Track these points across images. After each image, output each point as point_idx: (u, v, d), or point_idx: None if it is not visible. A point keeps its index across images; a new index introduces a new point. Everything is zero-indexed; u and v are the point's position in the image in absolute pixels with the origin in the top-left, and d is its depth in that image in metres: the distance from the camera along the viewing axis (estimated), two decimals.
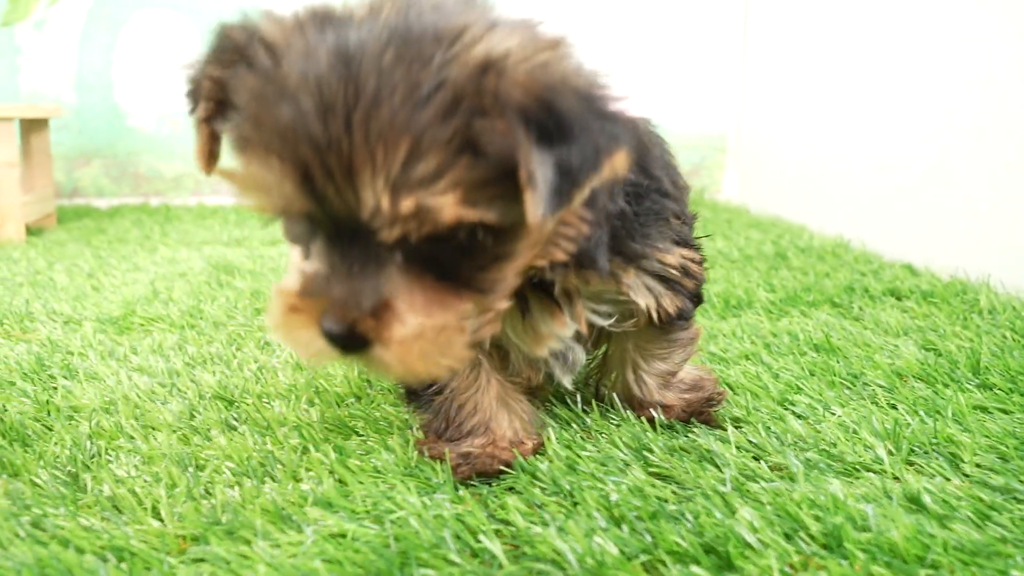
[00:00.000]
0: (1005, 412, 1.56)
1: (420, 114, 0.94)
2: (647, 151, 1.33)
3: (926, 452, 1.39)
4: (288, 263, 1.12)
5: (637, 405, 1.59)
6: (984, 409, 1.58)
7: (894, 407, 1.58)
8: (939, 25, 2.73)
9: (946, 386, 1.69)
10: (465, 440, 1.43)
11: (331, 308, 1.02)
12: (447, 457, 1.37)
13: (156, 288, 2.57)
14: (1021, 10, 2.38)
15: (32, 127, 3.94)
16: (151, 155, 4.78)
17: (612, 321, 1.42)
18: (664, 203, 1.38)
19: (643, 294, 1.38)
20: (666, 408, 1.57)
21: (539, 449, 1.44)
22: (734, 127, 4.77)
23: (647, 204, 1.35)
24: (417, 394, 1.45)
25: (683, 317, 1.50)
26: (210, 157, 1.17)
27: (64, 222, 4.08)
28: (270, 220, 1.10)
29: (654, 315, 1.42)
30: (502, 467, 1.37)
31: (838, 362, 1.83)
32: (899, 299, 2.38)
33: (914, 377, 1.75)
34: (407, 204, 0.95)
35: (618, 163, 1.00)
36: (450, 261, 1.05)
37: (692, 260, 1.44)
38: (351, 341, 1.02)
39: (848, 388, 1.70)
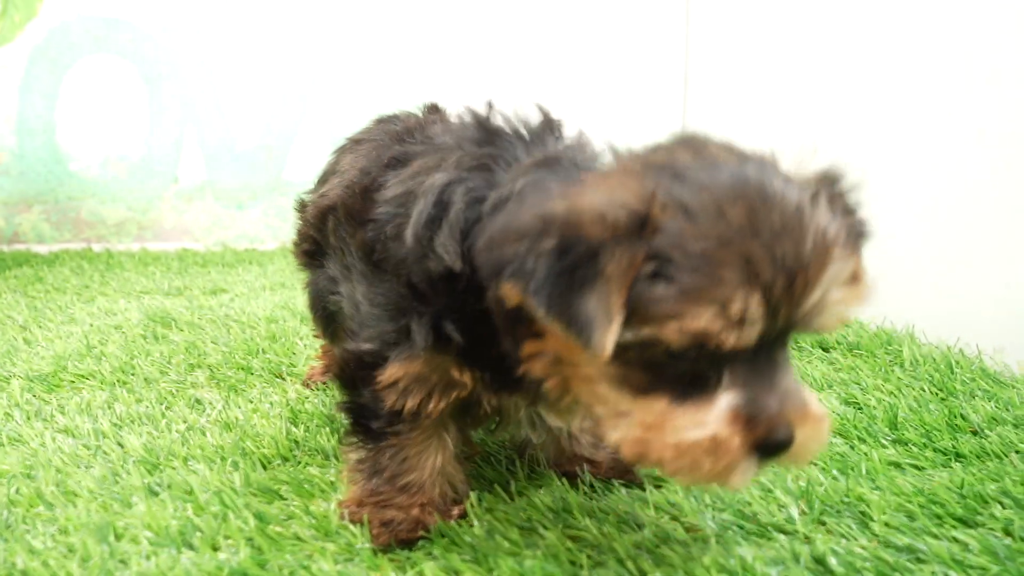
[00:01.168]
0: (917, 468, 1.61)
1: (829, 224, 1.07)
2: None
3: (837, 511, 1.42)
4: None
5: (565, 461, 1.61)
6: (897, 465, 1.62)
7: (812, 464, 1.62)
8: (925, 127, 2.78)
9: (863, 441, 1.73)
10: (395, 497, 1.41)
11: (780, 423, 1.06)
12: (366, 522, 1.38)
13: (90, 342, 2.55)
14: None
15: None
16: (93, 200, 4.74)
17: None
18: None
19: None
20: (594, 465, 1.60)
21: (463, 514, 1.45)
22: None
23: None
24: (369, 430, 1.41)
25: None
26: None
27: (2, 270, 4.03)
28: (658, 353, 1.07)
29: None
30: (423, 533, 1.37)
31: None
32: (826, 351, 2.43)
33: (834, 432, 1.79)
34: (844, 299, 1.08)
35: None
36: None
37: None
38: (789, 443, 1.07)
39: None
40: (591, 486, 1.54)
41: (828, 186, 1.13)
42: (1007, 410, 1.87)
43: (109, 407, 1.98)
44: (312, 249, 1.70)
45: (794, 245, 1.03)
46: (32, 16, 3.77)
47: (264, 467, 1.64)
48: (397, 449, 1.41)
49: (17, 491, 1.50)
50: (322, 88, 4.80)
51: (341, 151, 1.88)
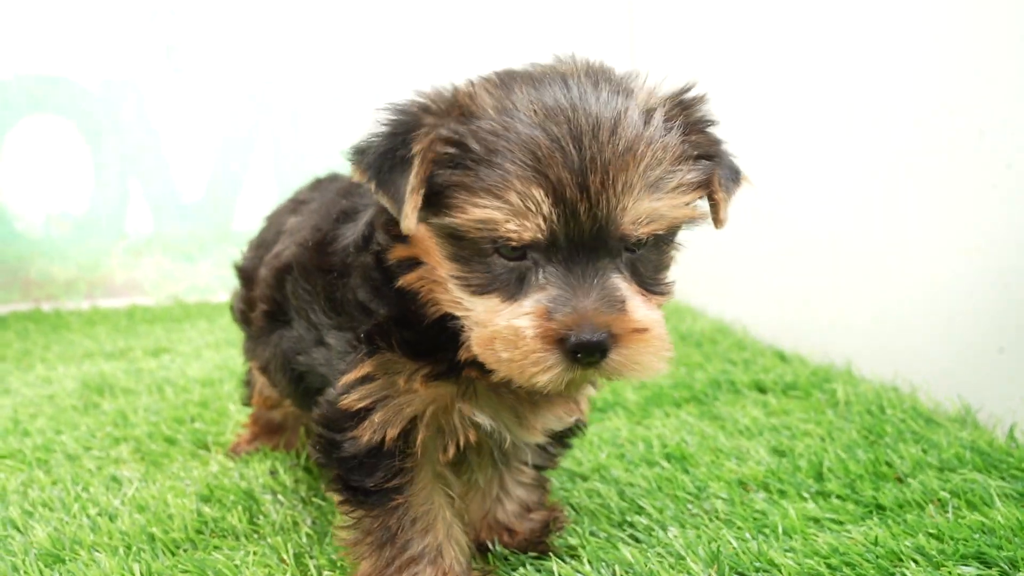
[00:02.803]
0: (837, 523, 1.59)
1: (651, 131, 1.17)
2: None
3: None
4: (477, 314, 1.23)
5: (484, 527, 1.59)
6: (816, 521, 1.60)
7: (730, 523, 1.60)
8: (926, 128, 2.77)
9: (784, 495, 1.71)
10: (411, 568, 1.37)
11: (583, 320, 1.13)
12: None
13: (18, 417, 2.50)
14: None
15: None
16: (42, 259, 4.69)
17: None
18: None
19: (585, 396, 1.51)
20: (512, 534, 1.57)
21: None
22: None
23: None
24: (365, 491, 1.37)
25: (577, 437, 1.63)
26: (417, 217, 1.21)
27: None
28: (478, 254, 1.20)
29: (583, 417, 1.53)
30: None
31: (687, 472, 1.85)
32: (762, 392, 2.41)
33: (757, 485, 1.77)
34: (655, 203, 1.16)
35: (746, 182, 1.35)
36: (644, 270, 1.23)
37: None
38: (603, 345, 1.14)
39: (691, 503, 1.71)
40: (504, 559, 1.51)
41: (672, 106, 1.24)
42: (933, 453, 1.85)
43: (24, 491, 1.93)
44: (272, 310, 1.67)
45: (592, 147, 1.13)
46: None
47: (172, 552, 1.60)
48: (404, 508, 1.37)
49: None
50: (267, 137, 4.78)
51: (281, 212, 1.89)
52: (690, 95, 1.27)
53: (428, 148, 1.18)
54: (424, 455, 1.38)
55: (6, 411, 2.58)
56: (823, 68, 3.14)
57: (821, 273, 2.80)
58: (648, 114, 1.19)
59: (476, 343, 1.21)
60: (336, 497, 1.43)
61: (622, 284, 1.18)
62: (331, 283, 1.43)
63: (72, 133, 4.62)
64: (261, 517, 1.71)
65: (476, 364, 1.26)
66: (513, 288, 1.19)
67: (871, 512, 1.63)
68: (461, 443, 1.39)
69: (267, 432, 2.17)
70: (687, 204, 1.21)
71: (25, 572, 1.52)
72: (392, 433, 1.33)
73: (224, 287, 4.76)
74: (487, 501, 1.60)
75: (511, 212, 1.13)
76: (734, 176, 1.32)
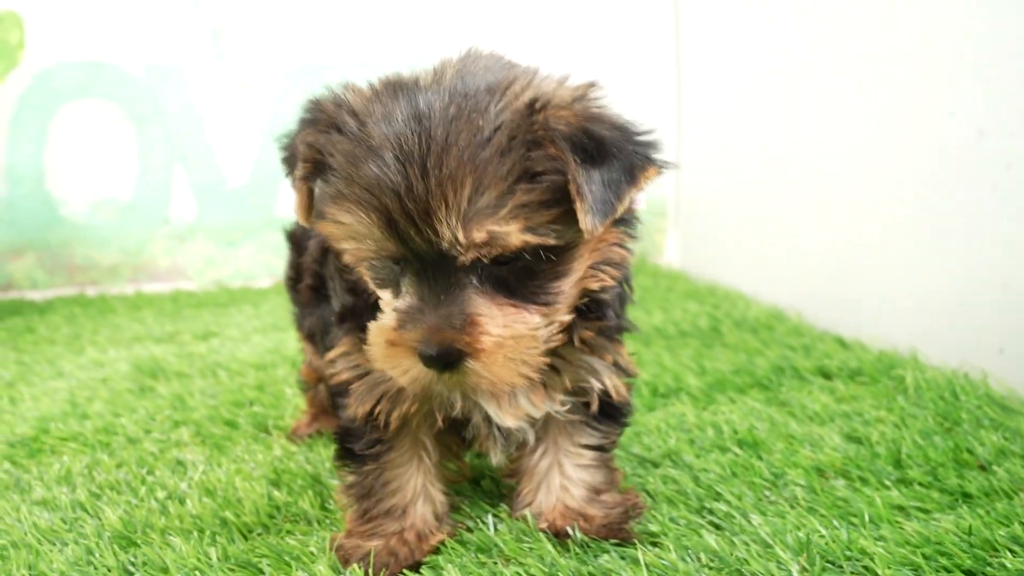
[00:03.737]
0: (923, 511, 1.55)
1: (482, 153, 1.15)
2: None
3: (839, 567, 1.36)
4: (383, 309, 1.33)
5: (557, 516, 1.56)
6: (902, 509, 1.56)
7: (813, 511, 1.56)
8: (879, 101, 2.74)
9: (866, 483, 1.67)
10: (379, 522, 1.50)
11: (426, 335, 1.20)
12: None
13: (75, 400, 2.50)
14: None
15: None
16: (86, 244, 4.70)
17: (566, 408, 1.49)
18: (629, 295, 1.54)
19: (608, 376, 1.49)
20: (587, 519, 1.54)
21: (441, 545, 1.51)
22: (673, 190, 4.79)
23: (623, 291, 1.50)
24: (353, 453, 1.51)
25: (625, 414, 1.61)
26: (308, 210, 1.34)
27: None
28: (363, 263, 1.30)
29: (613, 396, 1.51)
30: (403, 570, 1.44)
31: (761, 459, 1.81)
32: (827, 378, 2.36)
33: (835, 473, 1.73)
34: (478, 234, 1.15)
35: (651, 177, 1.26)
36: (518, 281, 1.24)
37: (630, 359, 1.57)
38: (447, 359, 1.19)
39: (769, 490, 1.67)
40: (583, 547, 1.48)
41: (519, 121, 1.19)
42: (1015, 441, 1.80)
43: (89, 474, 1.92)
44: (316, 284, 1.78)
45: (417, 175, 1.15)
46: (14, 66, 3.74)
47: (245, 537, 1.59)
48: (379, 471, 1.50)
49: None
50: None
51: None
52: (543, 103, 1.22)
53: (302, 152, 1.30)
54: (404, 427, 1.48)
55: (62, 394, 2.59)
56: (823, 69, 3.11)
57: (880, 260, 2.75)
58: (489, 133, 1.17)
59: (368, 336, 1.31)
60: (335, 455, 1.57)
61: (474, 299, 1.22)
62: (337, 258, 1.50)
63: (117, 119, 4.62)
64: (331, 502, 1.69)
65: None
66: (396, 287, 1.28)
67: (957, 500, 1.58)
68: (440, 420, 1.46)
69: (325, 413, 2.15)
70: (527, 227, 1.18)
71: (100, 555, 1.51)
72: (363, 409, 1.43)
73: (267, 273, 4.76)
74: (552, 490, 1.58)
75: (348, 232, 1.23)
76: (629, 172, 1.23)
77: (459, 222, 1.15)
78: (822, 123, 3.10)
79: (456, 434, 1.55)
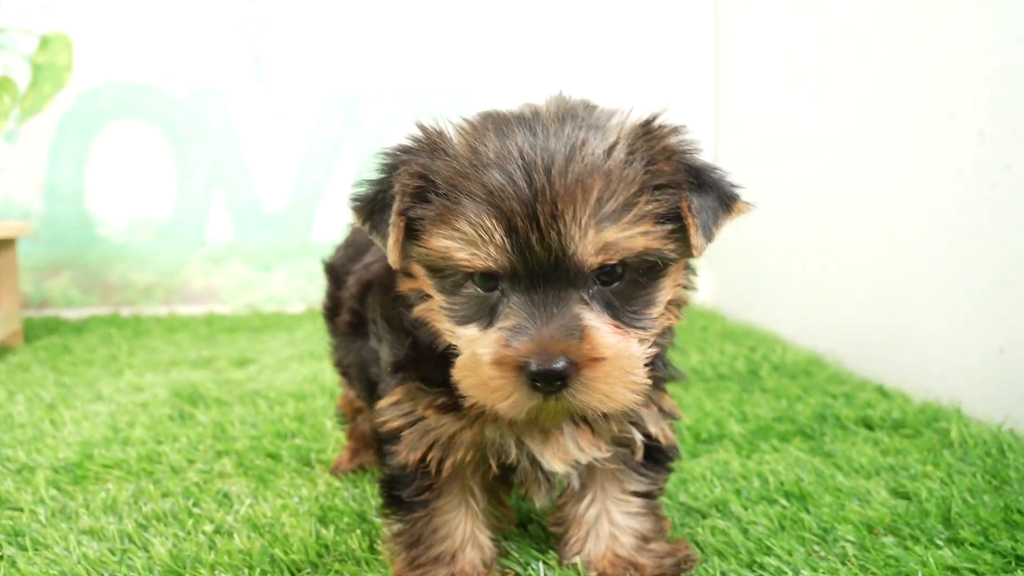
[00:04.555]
0: (976, 573, 1.53)
1: (607, 163, 1.20)
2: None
3: None
4: (463, 344, 1.30)
5: (608, 565, 1.55)
6: (955, 570, 1.54)
7: (864, 568, 1.54)
8: (926, 129, 2.74)
9: (916, 541, 1.65)
10: (427, 568, 1.48)
11: (541, 346, 1.17)
12: None
13: (116, 424, 2.52)
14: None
15: None
16: (122, 264, 4.75)
17: (610, 455, 1.49)
18: (672, 341, 1.53)
19: (653, 424, 1.50)
20: (638, 568, 1.54)
21: None
22: None
23: (669, 339, 1.50)
24: (400, 501, 1.50)
25: (671, 458, 1.60)
26: (400, 250, 1.31)
27: (31, 338, 4.02)
28: (458, 285, 1.28)
29: (661, 440, 1.52)
30: None
31: (809, 512, 1.79)
32: (871, 429, 2.35)
33: (884, 529, 1.71)
34: (608, 233, 1.18)
35: (741, 209, 1.33)
36: (620, 304, 1.25)
37: (673, 403, 1.57)
38: (563, 374, 1.17)
39: (818, 544, 1.66)
40: None
41: (636, 137, 1.26)
42: None
43: (135, 503, 1.93)
44: (355, 321, 1.77)
45: (542, 180, 1.17)
46: (61, 87, 3.79)
47: (294, 574, 1.58)
48: (429, 518, 1.49)
49: None
50: (350, 149, 4.80)
51: None
52: (656, 124, 1.29)
53: (404, 183, 1.28)
54: (454, 473, 1.47)
55: (103, 418, 2.60)
56: (824, 69, 3.12)
57: (923, 313, 2.74)
58: (608, 147, 1.22)
59: (455, 370, 1.28)
60: (381, 502, 1.57)
61: (586, 314, 1.22)
62: (389, 304, 1.51)
63: (158, 140, 4.69)
64: (379, 542, 1.69)
65: None
66: (487, 318, 1.26)
67: (1011, 563, 1.56)
68: (494, 467, 1.46)
69: (366, 447, 2.15)
70: (647, 234, 1.22)
71: None
72: (415, 456, 1.44)
73: (300, 298, 4.79)
74: (601, 538, 1.57)
75: (464, 241, 1.21)
76: (723, 203, 1.31)
77: (588, 223, 1.17)
78: (866, 157, 3.10)
79: (502, 480, 1.54)
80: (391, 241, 1.30)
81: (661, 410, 1.52)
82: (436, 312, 1.34)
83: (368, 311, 1.68)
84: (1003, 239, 2.33)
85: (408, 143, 1.33)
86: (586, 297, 1.23)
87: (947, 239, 2.55)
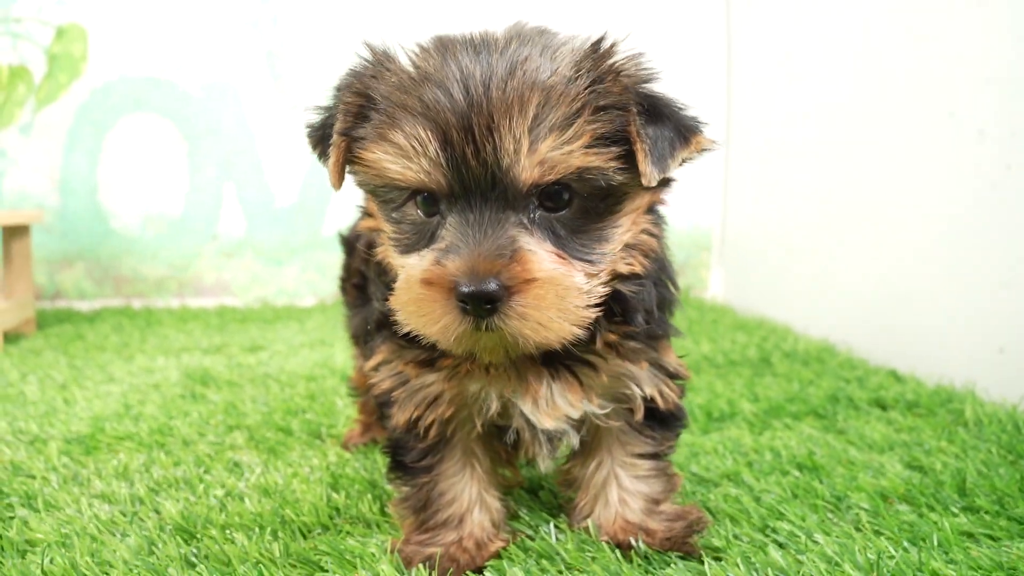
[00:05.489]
0: (992, 538, 1.51)
1: (549, 79, 1.16)
2: (662, 240, 1.43)
3: None
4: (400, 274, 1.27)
5: (618, 530, 1.54)
6: (970, 535, 1.53)
7: (879, 533, 1.53)
8: (926, 129, 2.74)
9: (931, 509, 1.64)
10: (436, 532, 1.48)
11: (469, 264, 1.14)
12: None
13: (128, 402, 2.52)
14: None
15: (13, 233, 3.93)
16: (134, 257, 4.76)
17: (607, 412, 1.46)
18: (675, 296, 1.50)
19: (648, 383, 1.45)
20: (648, 533, 1.52)
21: (502, 551, 1.48)
22: (719, 225, 4.78)
23: (664, 293, 1.46)
24: (405, 466, 1.49)
25: (678, 418, 1.56)
26: (341, 172, 1.31)
27: (44, 327, 4.04)
28: (401, 211, 1.26)
29: (659, 402, 1.47)
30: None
31: (821, 482, 1.78)
32: (884, 409, 2.34)
33: (899, 498, 1.70)
34: (545, 145, 1.14)
35: (702, 143, 1.27)
36: (566, 233, 1.21)
37: (680, 361, 1.53)
38: (490, 296, 1.12)
39: (831, 512, 1.65)
40: (646, 558, 1.46)
41: (583, 56, 1.22)
42: None
43: (146, 470, 1.93)
44: (361, 283, 1.78)
45: (479, 92, 1.14)
46: (77, 76, 3.81)
47: (304, 536, 1.58)
48: (434, 483, 1.48)
49: (51, 561, 1.45)
50: None
51: None
52: (607, 45, 1.26)
53: (346, 101, 1.28)
54: (453, 435, 1.47)
55: (115, 397, 2.61)
56: (825, 70, 3.12)
57: (939, 298, 2.73)
58: (553, 64, 1.19)
59: (392, 298, 1.25)
60: (387, 468, 1.56)
61: (523, 237, 1.18)
62: (378, 263, 1.49)
63: (171, 134, 4.70)
64: (390, 507, 1.68)
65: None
66: (426, 244, 1.23)
67: None
68: (477, 426, 1.44)
69: (378, 423, 2.15)
70: (588, 151, 1.17)
71: (163, 546, 1.51)
72: (404, 416, 1.42)
73: (312, 292, 4.80)
74: (611, 503, 1.56)
75: (398, 154, 1.18)
76: (681, 134, 1.26)
77: (524, 136, 1.14)
78: (869, 155, 3.10)
79: (502, 441, 1.52)
80: (331, 161, 1.29)
81: (661, 368, 1.47)
82: (387, 247, 1.32)
83: (370, 272, 1.66)
84: (1003, 239, 2.33)
85: (354, 66, 1.32)
86: (526, 221, 1.19)
87: (947, 239, 2.55)
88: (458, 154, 1.15)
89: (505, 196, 1.17)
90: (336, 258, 2.08)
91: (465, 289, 1.13)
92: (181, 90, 4.69)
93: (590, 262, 1.24)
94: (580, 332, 1.23)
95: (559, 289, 1.17)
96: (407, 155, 1.18)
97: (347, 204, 4.76)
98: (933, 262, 2.64)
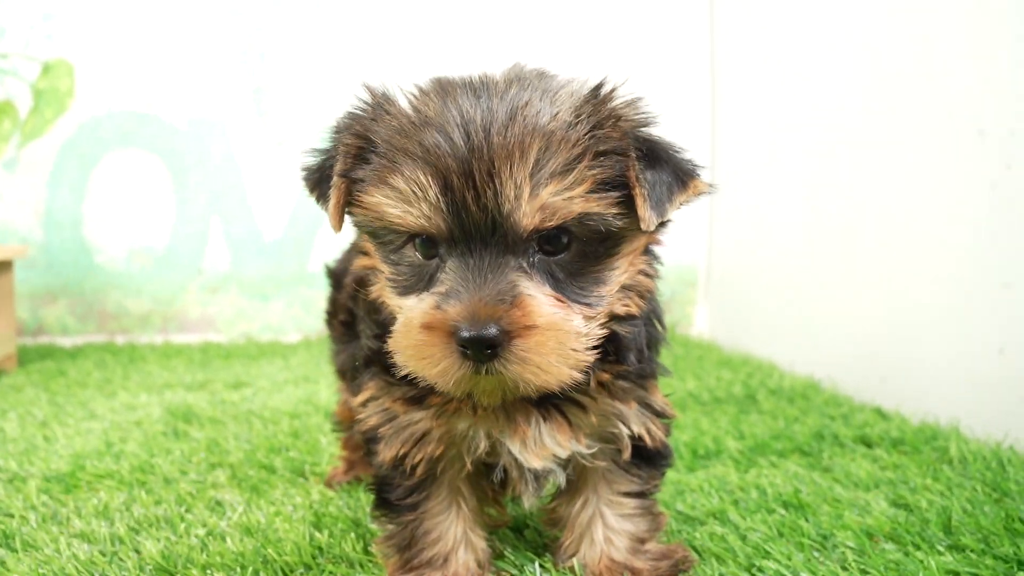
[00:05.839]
0: None
1: (549, 124, 1.17)
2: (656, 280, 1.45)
3: None
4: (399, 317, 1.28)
5: (604, 569, 1.53)
6: (956, 574, 1.52)
7: (865, 573, 1.53)
8: (943, 133, 2.75)
9: (917, 547, 1.64)
10: (421, 571, 1.46)
11: (470, 309, 1.14)
12: None
13: (109, 439, 2.50)
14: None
15: None
16: (119, 292, 4.74)
17: (594, 451, 1.45)
18: (662, 335, 1.50)
19: (636, 422, 1.45)
20: (634, 572, 1.51)
21: None
22: (704, 261, 4.80)
23: (653, 333, 1.47)
24: (390, 503, 1.48)
25: (664, 456, 1.56)
26: (340, 214, 1.31)
27: (25, 363, 4.00)
28: (400, 252, 1.27)
29: (647, 440, 1.46)
30: None
31: (807, 520, 1.78)
32: (869, 447, 2.34)
33: (884, 537, 1.69)
34: (546, 192, 1.15)
35: (699, 187, 1.29)
36: (565, 277, 1.22)
37: (666, 400, 1.53)
38: (491, 341, 1.13)
39: (817, 550, 1.64)
40: None
41: (583, 102, 1.24)
42: None
43: (127, 509, 1.91)
44: (348, 320, 1.77)
45: (480, 138, 1.15)
46: (62, 112, 3.82)
47: (287, 575, 1.56)
48: (419, 521, 1.47)
49: None
50: None
51: None
52: (606, 90, 1.27)
53: (346, 143, 1.28)
54: (440, 473, 1.46)
55: (96, 434, 2.58)
56: (857, 138, 3.14)
57: (922, 337, 2.74)
58: (553, 109, 1.20)
59: (390, 340, 1.25)
60: (372, 506, 1.55)
61: (523, 281, 1.18)
62: (369, 301, 1.48)
63: (158, 169, 4.71)
64: (374, 545, 1.67)
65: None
66: (425, 286, 1.23)
67: (1013, 568, 1.54)
68: (467, 464, 1.43)
69: (362, 460, 2.13)
70: (588, 197, 1.18)
71: None
72: (391, 453, 1.41)
73: (296, 327, 4.78)
74: (596, 542, 1.55)
75: (398, 198, 1.19)
76: (679, 179, 1.28)
77: (525, 182, 1.14)
78: (854, 193, 3.11)
79: (489, 479, 1.51)
80: (331, 204, 1.29)
81: (648, 407, 1.47)
82: (384, 287, 1.32)
83: (359, 309, 1.66)
84: (1003, 238, 2.33)
85: (354, 108, 1.33)
86: (525, 265, 1.20)
87: (947, 244, 2.55)
88: (459, 199, 1.15)
89: (505, 241, 1.18)
90: (322, 294, 2.08)
91: (466, 334, 1.13)
92: (168, 124, 4.70)
93: (588, 305, 1.24)
94: (579, 376, 1.23)
95: (559, 334, 1.18)
96: (407, 200, 1.18)
97: (333, 239, 4.76)
98: (932, 267, 2.62)
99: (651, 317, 1.46)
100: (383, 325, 1.39)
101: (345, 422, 2.13)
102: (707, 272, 4.78)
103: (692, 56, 4.73)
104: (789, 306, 3.68)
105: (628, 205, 1.23)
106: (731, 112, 4.42)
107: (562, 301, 1.21)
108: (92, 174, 4.66)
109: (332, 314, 1.97)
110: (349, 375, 1.83)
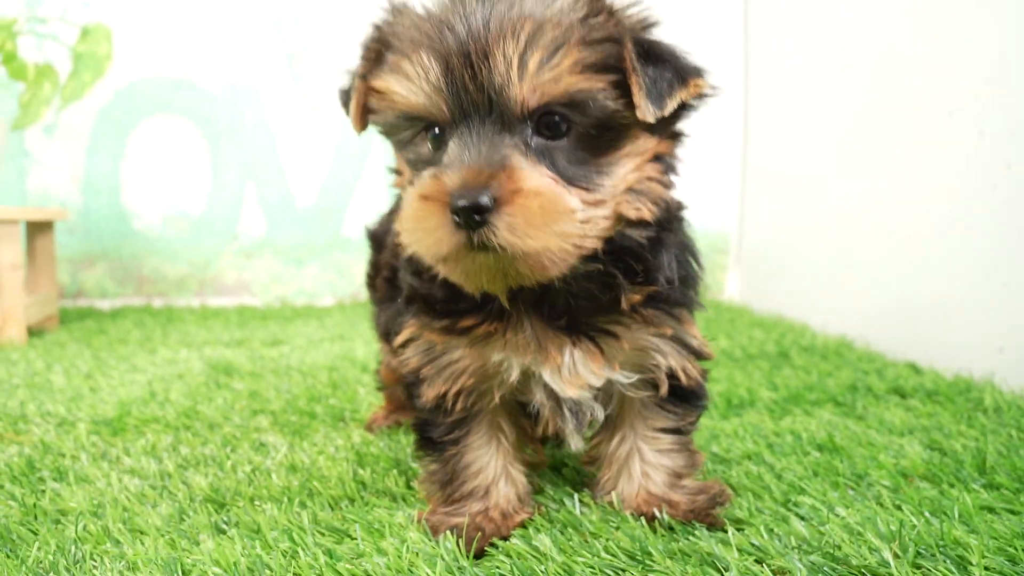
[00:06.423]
0: (1013, 512, 1.52)
1: (544, 11, 1.23)
2: (685, 222, 1.51)
3: (933, 555, 1.34)
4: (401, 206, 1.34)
5: (641, 503, 1.56)
6: (991, 509, 1.54)
7: (899, 508, 1.54)
8: (943, 133, 2.75)
9: (952, 486, 1.65)
10: (462, 503, 1.51)
11: (462, 177, 1.19)
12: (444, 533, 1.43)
13: (153, 389, 2.56)
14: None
15: (37, 230, 3.98)
16: (156, 257, 4.81)
17: (633, 381, 1.48)
18: (698, 273, 1.52)
19: (673, 356, 1.48)
20: (672, 505, 1.54)
21: (527, 521, 1.51)
22: (735, 227, 4.80)
23: (687, 268, 1.49)
24: (432, 442, 1.53)
25: (700, 396, 1.59)
26: (361, 114, 1.41)
27: (66, 323, 4.08)
28: (409, 141, 1.34)
29: (682, 378, 1.49)
30: (491, 542, 1.43)
31: (842, 462, 1.80)
32: (903, 397, 2.35)
33: (919, 477, 1.71)
34: (533, 63, 1.19)
35: (700, 86, 1.31)
36: (564, 160, 1.26)
37: (703, 339, 1.55)
38: (479, 207, 1.16)
39: (852, 489, 1.66)
40: (670, 528, 1.48)
41: None
42: None
43: (174, 449, 1.96)
44: (391, 277, 1.80)
45: (477, 23, 1.22)
46: (100, 76, 3.85)
47: (332, 507, 1.61)
48: (460, 456, 1.52)
49: (84, 528, 1.48)
50: (380, 147, 4.85)
51: None
52: None
53: (366, 48, 1.37)
54: (478, 408, 1.50)
55: (140, 385, 2.64)
56: (885, 103, 3.12)
57: (957, 291, 2.74)
58: (549, 0, 1.26)
59: (397, 222, 1.32)
60: (414, 447, 1.60)
61: (517, 155, 1.22)
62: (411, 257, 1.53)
63: (193, 135, 4.75)
64: (416, 483, 1.71)
65: (473, 312, 1.39)
66: (435, 163, 1.28)
67: None
68: (496, 394, 1.47)
69: (402, 408, 2.17)
70: (576, 72, 1.22)
71: (194, 514, 1.54)
72: (433, 392, 1.46)
73: (331, 291, 4.83)
74: (633, 476, 1.58)
75: (403, 78, 1.26)
76: (679, 75, 1.30)
77: (515, 57, 1.20)
78: (882, 154, 3.11)
79: (527, 415, 1.54)
80: (353, 105, 1.39)
81: (683, 344, 1.49)
82: (406, 189, 1.35)
83: (400, 263, 1.68)
84: (1004, 238, 2.34)
85: (376, 20, 1.40)
86: (522, 144, 1.24)
87: (948, 239, 2.55)
88: (458, 79, 1.22)
89: (502, 119, 1.23)
90: (356, 259, 2.11)
91: (459, 202, 1.17)
92: (203, 90, 4.75)
93: (586, 189, 1.27)
94: (573, 251, 1.25)
95: (544, 200, 1.20)
96: (410, 78, 1.25)
97: (368, 204, 4.80)
98: (936, 260, 2.64)
99: (683, 249, 1.48)
100: (420, 266, 1.43)
101: (387, 382, 2.16)
102: (739, 239, 4.78)
103: (726, 22, 4.71)
104: (819, 270, 3.68)
105: (627, 94, 1.27)
106: (763, 78, 4.41)
107: (557, 181, 1.24)
108: (129, 140, 4.72)
109: (373, 276, 2.01)
110: (392, 335, 1.85)
